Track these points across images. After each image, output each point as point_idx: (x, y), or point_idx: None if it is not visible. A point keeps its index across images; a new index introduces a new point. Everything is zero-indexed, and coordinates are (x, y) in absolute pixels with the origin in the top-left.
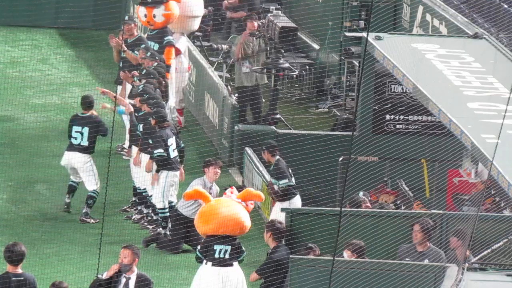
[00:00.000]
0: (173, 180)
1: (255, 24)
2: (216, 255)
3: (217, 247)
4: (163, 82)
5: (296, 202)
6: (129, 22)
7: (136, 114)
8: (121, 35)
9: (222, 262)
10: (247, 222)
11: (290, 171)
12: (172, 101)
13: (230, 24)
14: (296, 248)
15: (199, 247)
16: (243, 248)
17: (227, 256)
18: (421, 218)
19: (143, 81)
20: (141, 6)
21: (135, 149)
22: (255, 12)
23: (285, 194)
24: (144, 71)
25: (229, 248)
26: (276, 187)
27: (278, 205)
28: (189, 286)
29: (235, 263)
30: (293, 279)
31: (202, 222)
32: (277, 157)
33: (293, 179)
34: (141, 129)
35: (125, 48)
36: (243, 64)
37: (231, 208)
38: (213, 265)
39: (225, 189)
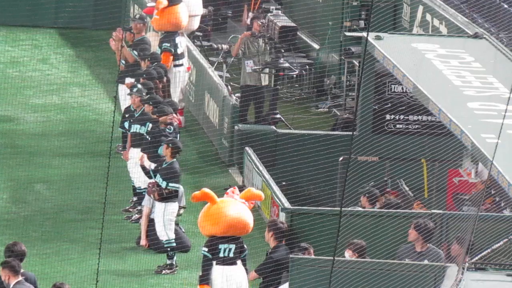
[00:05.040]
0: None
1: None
2: (221, 254)
3: (221, 246)
4: (162, 82)
5: (174, 207)
6: (139, 21)
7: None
8: (120, 31)
9: (226, 261)
10: (251, 223)
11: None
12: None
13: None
14: (296, 248)
15: (205, 248)
16: (245, 246)
17: (231, 255)
18: (417, 218)
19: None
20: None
21: (133, 150)
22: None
23: (169, 197)
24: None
25: (233, 246)
26: (160, 188)
27: (159, 205)
28: (189, 286)
29: (239, 262)
30: (293, 279)
31: (209, 223)
32: (175, 159)
33: (181, 185)
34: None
35: (124, 44)
36: (247, 63)
37: (237, 209)
38: (217, 263)
39: (226, 189)
